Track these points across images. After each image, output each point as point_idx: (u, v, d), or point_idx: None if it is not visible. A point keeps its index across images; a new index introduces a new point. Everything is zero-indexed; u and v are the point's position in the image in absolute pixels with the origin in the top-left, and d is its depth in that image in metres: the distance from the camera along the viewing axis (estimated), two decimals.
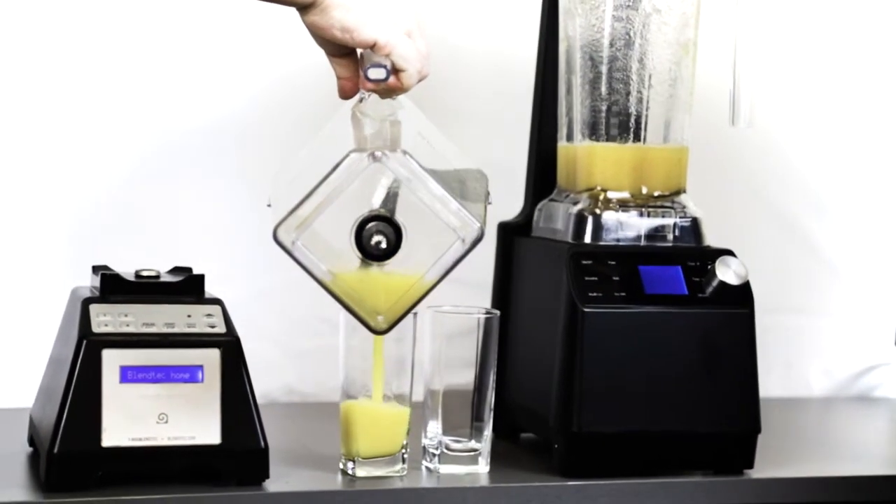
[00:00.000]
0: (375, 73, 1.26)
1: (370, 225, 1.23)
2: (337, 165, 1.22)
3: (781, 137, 1.85)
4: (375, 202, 1.24)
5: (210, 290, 1.35)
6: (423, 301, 1.27)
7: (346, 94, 1.32)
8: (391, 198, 1.24)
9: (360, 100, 1.31)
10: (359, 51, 1.30)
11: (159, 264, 1.36)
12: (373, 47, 1.26)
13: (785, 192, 1.86)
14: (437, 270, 1.24)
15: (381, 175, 1.23)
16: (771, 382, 1.85)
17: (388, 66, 1.26)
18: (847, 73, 1.75)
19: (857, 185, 1.89)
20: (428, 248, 1.24)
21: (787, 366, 1.87)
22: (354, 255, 1.24)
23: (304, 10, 1.26)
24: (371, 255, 1.23)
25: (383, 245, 1.23)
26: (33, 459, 1.35)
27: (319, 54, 1.32)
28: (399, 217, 1.24)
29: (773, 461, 1.44)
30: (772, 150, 1.85)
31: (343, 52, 1.30)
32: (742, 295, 1.39)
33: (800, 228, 1.87)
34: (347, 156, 1.22)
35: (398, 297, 1.25)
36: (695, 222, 1.44)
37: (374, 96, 1.30)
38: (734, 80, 1.42)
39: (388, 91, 1.29)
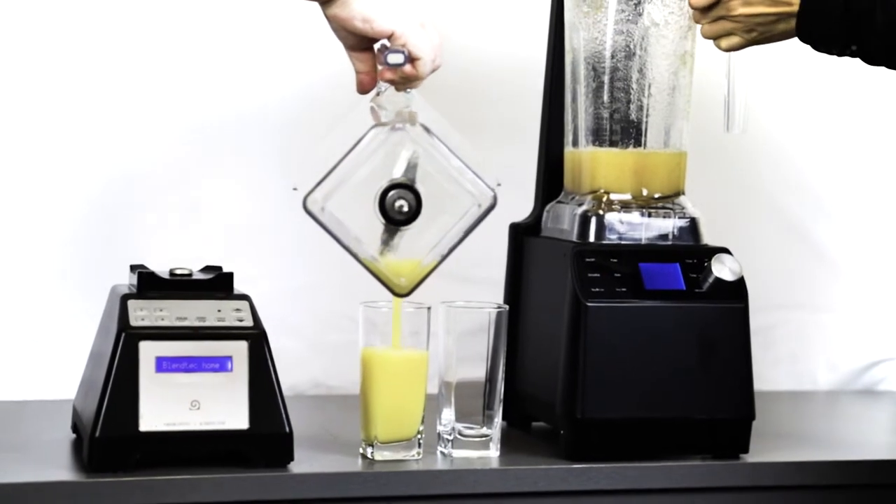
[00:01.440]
0: (394, 58, 1.35)
1: (392, 192, 1.31)
2: (360, 139, 1.30)
3: (781, 138, 1.91)
4: (397, 172, 1.32)
5: (241, 288, 1.44)
6: (438, 295, 1.34)
7: (364, 89, 1.41)
8: (411, 168, 1.32)
9: (378, 93, 1.40)
10: (375, 46, 1.39)
11: (192, 263, 1.45)
12: (390, 37, 1.35)
13: (786, 192, 1.92)
14: (455, 235, 1.32)
15: (402, 147, 1.32)
16: (777, 376, 1.91)
17: (406, 53, 1.35)
18: (846, 71, 1.80)
19: (857, 183, 1.94)
20: (446, 215, 1.32)
21: (792, 360, 1.93)
22: (378, 223, 1.32)
23: (326, 3, 1.35)
24: (394, 219, 1.32)
25: (405, 209, 1.31)
26: (76, 445, 1.45)
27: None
28: (419, 185, 1.32)
29: (772, 448, 1.51)
30: (771, 151, 1.91)
31: (362, 46, 1.39)
32: (737, 290, 1.47)
33: (802, 227, 1.93)
34: (370, 130, 1.31)
35: (419, 261, 1.33)
36: (693, 222, 1.52)
37: (391, 89, 1.39)
38: (728, 89, 1.50)
39: (404, 81, 1.37)
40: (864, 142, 1.95)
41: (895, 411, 1.87)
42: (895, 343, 1.95)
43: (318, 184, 1.30)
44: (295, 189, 1.33)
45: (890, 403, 1.89)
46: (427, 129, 1.31)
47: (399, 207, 1.31)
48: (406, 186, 1.32)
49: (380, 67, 1.37)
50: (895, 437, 1.77)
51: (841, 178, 1.95)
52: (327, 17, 1.37)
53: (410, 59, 1.35)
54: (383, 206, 1.31)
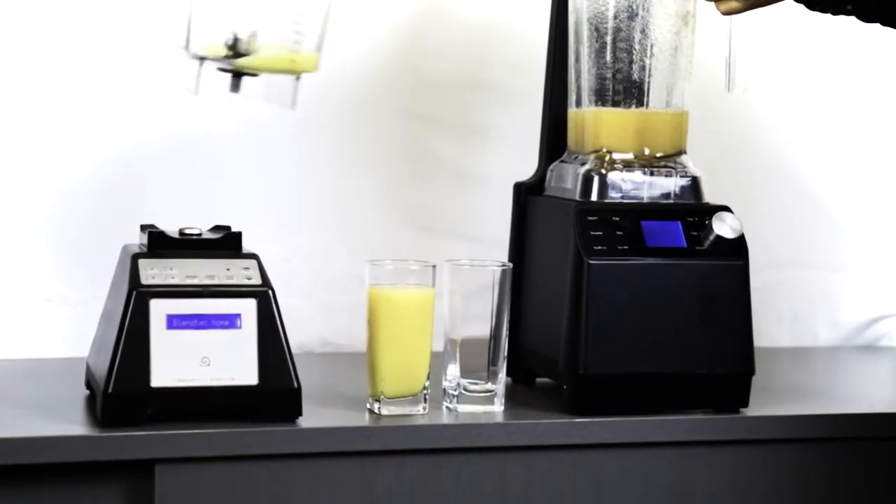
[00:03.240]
0: None
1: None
2: None
3: (782, 97, 1.93)
4: None
5: (250, 249, 1.46)
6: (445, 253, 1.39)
7: None
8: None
9: None
10: None
11: (202, 224, 1.48)
12: None
13: (787, 151, 1.94)
14: None
15: None
16: (779, 333, 1.94)
17: None
18: (844, 30, 1.80)
19: (858, 141, 1.96)
20: None
21: (794, 317, 1.95)
22: None
23: None
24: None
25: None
26: (90, 401, 1.48)
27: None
28: None
29: (772, 402, 1.54)
30: (772, 111, 1.93)
31: None
32: (737, 248, 1.49)
33: (803, 186, 1.95)
34: None
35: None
36: (694, 181, 1.54)
37: None
38: (729, 49, 1.52)
39: None
40: (865, 99, 1.97)
41: (895, 366, 1.89)
42: None
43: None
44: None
45: (891, 359, 1.92)
46: None
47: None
48: None
49: None
50: (894, 392, 1.79)
51: (841, 137, 1.96)
52: None
53: None
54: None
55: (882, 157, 1.98)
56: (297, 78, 1.41)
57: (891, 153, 1.98)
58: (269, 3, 1.39)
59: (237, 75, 1.40)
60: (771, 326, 1.92)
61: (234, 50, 1.38)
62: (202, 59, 1.39)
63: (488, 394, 1.48)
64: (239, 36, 1.38)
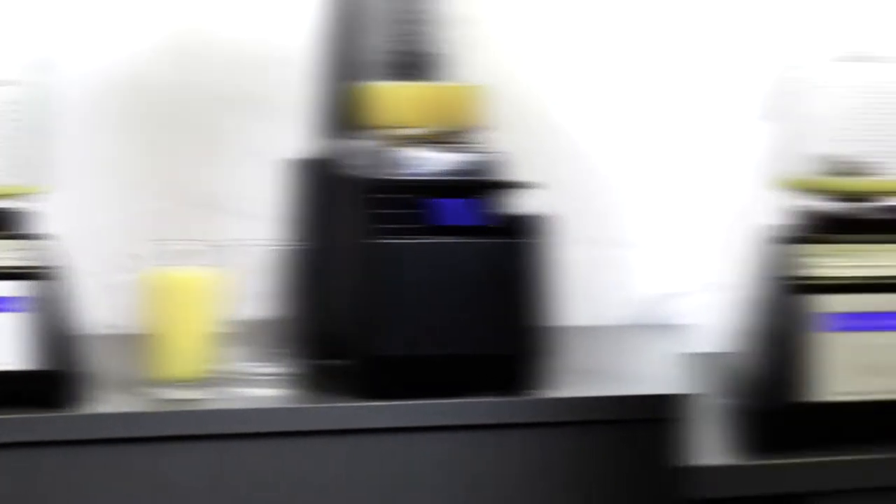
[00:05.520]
0: None
1: None
2: None
3: (579, 77, 1.93)
4: None
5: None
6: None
7: None
8: None
9: None
10: None
11: None
12: None
13: (583, 130, 1.94)
14: None
15: None
16: (573, 311, 1.94)
17: None
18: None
19: (649, 119, 1.97)
20: None
21: (589, 295, 1.95)
22: None
23: None
24: None
25: None
26: None
27: None
28: None
29: (564, 383, 1.52)
30: (572, 90, 1.93)
31: None
32: (532, 226, 1.48)
33: (597, 165, 1.95)
34: None
35: None
36: (489, 157, 1.51)
37: None
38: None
39: None
40: (658, 79, 1.97)
41: (686, 344, 1.90)
42: (689, 277, 1.98)
43: None
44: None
45: (682, 336, 1.91)
46: None
47: None
48: None
49: None
50: (679, 371, 1.80)
51: (634, 117, 1.96)
52: None
53: None
54: None
55: (670, 137, 1.98)
56: None
57: (679, 134, 1.98)
58: None
59: None
60: (565, 304, 1.91)
61: None
62: None
63: (273, 377, 1.44)
64: None
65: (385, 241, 1.43)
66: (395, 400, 1.43)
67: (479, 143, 1.52)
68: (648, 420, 1.49)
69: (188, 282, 1.41)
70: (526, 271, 1.47)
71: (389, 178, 1.48)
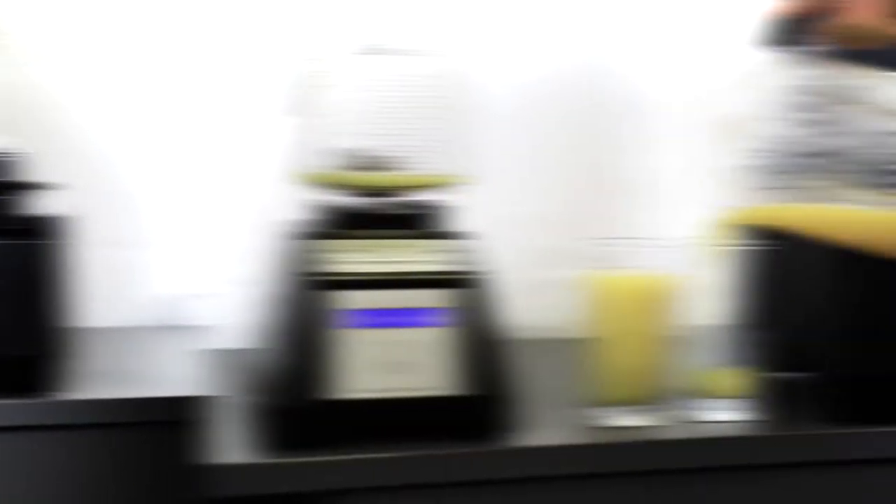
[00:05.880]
0: None
1: None
2: None
3: (95, 78, 1.89)
4: None
5: None
6: None
7: None
8: None
9: None
10: None
11: None
12: None
13: (101, 129, 1.90)
14: None
15: None
16: (94, 313, 1.89)
17: None
18: None
19: (164, 114, 1.94)
20: None
21: (109, 297, 1.92)
22: None
23: None
24: None
25: None
26: None
27: None
28: None
29: (86, 385, 1.49)
30: (85, 91, 1.88)
31: None
32: (50, 227, 1.45)
33: (119, 164, 1.91)
34: None
35: None
36: (4, 158, 1.47)
37: None
38: None
39: None
40: (167, 81, 1.95)
41: (208, 344, 1.88)
42: (210, 275, 1.97)
43: None
44: None
45: (205, 336, 1.91)
46: None
47: None
48: None
49: None
50: (202, 371, 1.78)
51: (152, 114, 1.94)
52: None
53: None
54: None
55: (189, 134, 1.96)
56: None
57: (198, 131, 1.96)
58: None
59: None
60: (87, 307, 1.87)
61: None
62: None
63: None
64: None
65: None
66: None
67: None
68: (170, 422, 1.47)
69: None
70: (44, 272, 1.44)
71: None
